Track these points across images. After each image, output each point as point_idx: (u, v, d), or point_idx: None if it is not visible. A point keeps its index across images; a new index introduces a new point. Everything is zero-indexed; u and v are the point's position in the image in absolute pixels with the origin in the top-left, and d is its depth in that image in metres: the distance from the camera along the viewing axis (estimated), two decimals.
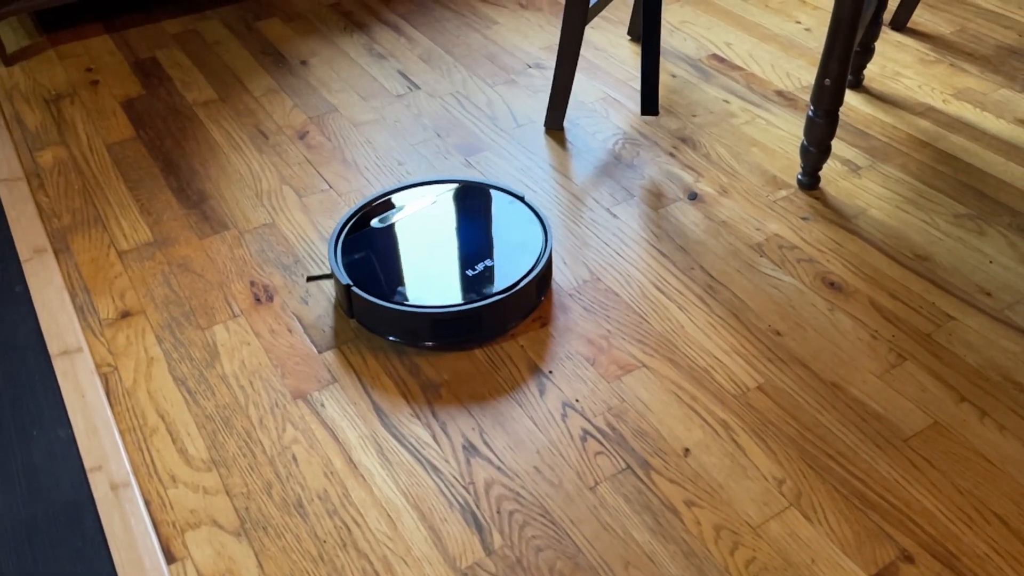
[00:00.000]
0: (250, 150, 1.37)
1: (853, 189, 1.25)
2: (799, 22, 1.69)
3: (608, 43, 1.64)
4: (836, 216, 1.20)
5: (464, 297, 1.00)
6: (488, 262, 1.04)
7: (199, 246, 1.18)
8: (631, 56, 1.60)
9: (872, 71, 1.51)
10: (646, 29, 1.19)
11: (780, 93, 1.47)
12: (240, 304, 1.09)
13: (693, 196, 1.25)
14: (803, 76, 1.52)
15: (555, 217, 1.22)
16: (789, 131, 1.38)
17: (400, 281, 1.03)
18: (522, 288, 1.02)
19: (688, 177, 1.29)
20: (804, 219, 1.20)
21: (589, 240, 1.18)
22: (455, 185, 1.18)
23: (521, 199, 1.15)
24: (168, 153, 1.37)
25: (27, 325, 1.05)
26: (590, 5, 1.29)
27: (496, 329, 1.02)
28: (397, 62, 1.60)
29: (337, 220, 1.22)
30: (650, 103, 1.25)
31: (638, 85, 1.52)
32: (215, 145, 1.38)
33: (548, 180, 1.30)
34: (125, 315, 1.08)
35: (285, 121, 1.44)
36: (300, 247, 1.18)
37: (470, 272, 1.03)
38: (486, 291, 1.01)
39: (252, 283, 1.12)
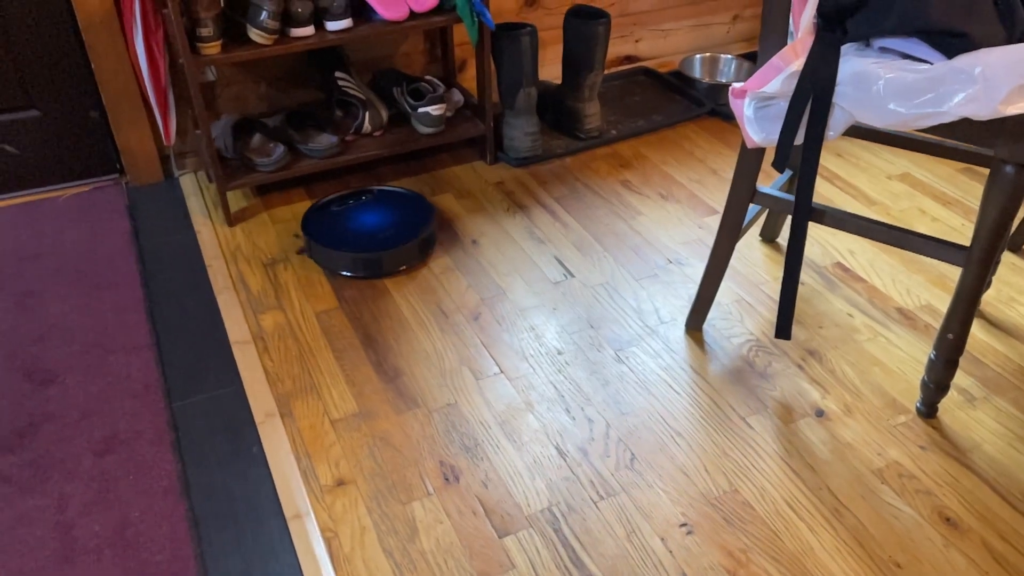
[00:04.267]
0: (434, 328, 1.62)
1: (968, 421, 1.39)
2: None
3: (742, 243, 1.84)
4: (952, 448, 1.35)
5: (374, 246, 1.74)
6: (392, 230, 1.78)
7: (396, 421, 1.42)
8: (763, 258, 1.80)
9: (988, 295, 1.66)
10: (789, 263, 1.39)
11: (900, 311, 1.63)
12: (432, 482, 1.31)
13: (820, 413, 1.42)
14: (922, 294, 1.68)
15: (698, 422, 1.41)
16: (909, 353, 1.53)
17: (339, 236, 1.76)
18: (407, 246, 1.75)
19: (815, 393, 1.46)
20: (922, 448, 1.35)
21: (728, 450, 1.36)
22: (387, 188, 1.93)
23: (422, 197, 1.88)
24: (366, 326, 1.63)
25: (265, 486, 1.30)
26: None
27: (391, 268, 1.75)
28: (554, 248, 1.84)
29: (502, 397, 1.44)
30: (784, 329, 1.43)
31: (769, 289, 1.71)
32: (404, 321, 1.64)
33: (689, 382, 1.49)
34: (340, 483, 1.31)
35: (461, 301, 1.69)
36: (479, 431, 1.40)
37: (381, 235, 1.76)
38: (388, 244, 1.74)
39: (441, 463, 1.35)
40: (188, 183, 2.08)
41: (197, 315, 1.66)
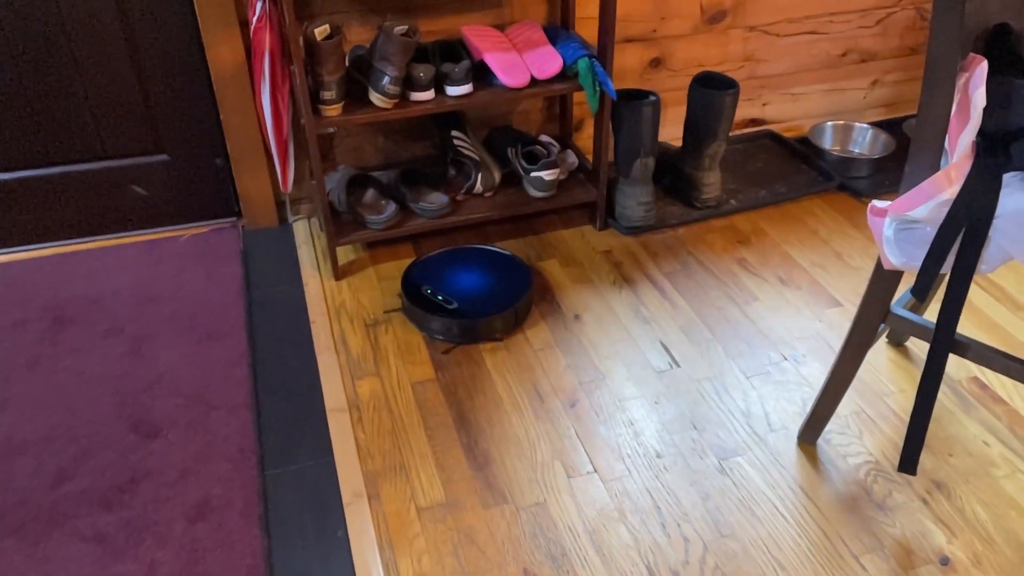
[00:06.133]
0: (528, 412, 1.57)
1: None
2: None
3: None
4: None
5: (472, 311, 1.73)
6: (491, 294, 1.77)
7: (483, 516, 1.38)
8: (889, 364, 1.66)
9: None
10: (921, 394, 1.26)
11: None
12: None
13: (945, 561, 1.28)
14: None
15: (804, 554, 1.30)
16: None
17: (440, 300, 1.76)
18: (506, 313, 1.73)
19: (941, 535, 1.32)
20: None
21: None
22: (480, 247, 1.93)
23: (515, 257, 1.88)
24: (460, 403, 1.60)
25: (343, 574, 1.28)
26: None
27: (488, 334, 1.73)
28: (660, 330, 1.76)
29: (594, 500, 1.38)
30: (909, 462, 1.30)
31: (894, 402, 1.57)
32: (499, 400, 1.60)
33: (798, 505, 1.38)
34: None
35: (558, 383, 1.64)
36: (567, 538, 1.34)
37: (480, 301, 1.75)
38: (485, 310, 1.73)
39: (525, 571, 1.29)
40: (301, 229, 2.11)
41: (297, 375, 1.67)
